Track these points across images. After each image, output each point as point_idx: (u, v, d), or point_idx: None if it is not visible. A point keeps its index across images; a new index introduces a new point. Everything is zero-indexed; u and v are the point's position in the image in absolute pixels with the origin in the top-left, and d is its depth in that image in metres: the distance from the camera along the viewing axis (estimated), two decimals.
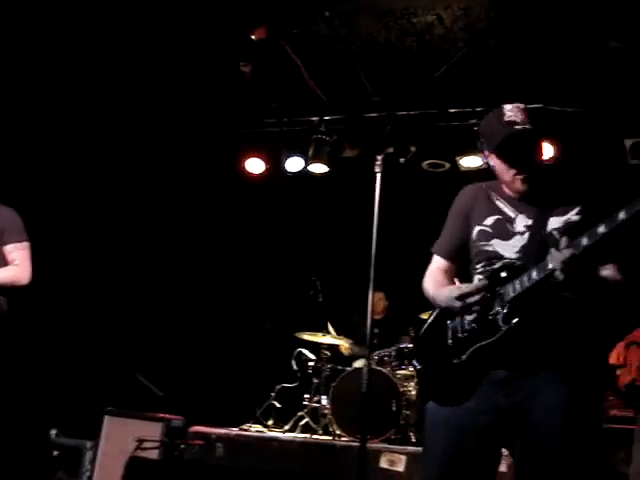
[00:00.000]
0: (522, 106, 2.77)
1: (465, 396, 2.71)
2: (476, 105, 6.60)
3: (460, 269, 3.05)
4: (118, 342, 7.32)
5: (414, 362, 3.05)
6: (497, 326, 2.64)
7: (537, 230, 2.74)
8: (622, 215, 2.36)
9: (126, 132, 7.16)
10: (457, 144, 6.86)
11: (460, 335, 2.79)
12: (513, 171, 2.78)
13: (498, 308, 2.67)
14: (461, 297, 2.75)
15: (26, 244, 4.28)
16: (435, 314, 3.01)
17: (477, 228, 2.88)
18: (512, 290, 2.64)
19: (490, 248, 2.81)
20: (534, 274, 2.58)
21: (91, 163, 7.04)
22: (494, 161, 2.83)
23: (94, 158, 7.05)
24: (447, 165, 7.22)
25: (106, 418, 5.95)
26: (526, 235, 2.76)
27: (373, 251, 3.57)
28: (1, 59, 5.82)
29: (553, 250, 2.52)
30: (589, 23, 5.46)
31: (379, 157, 3.71)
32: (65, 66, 6.21)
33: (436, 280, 3.02)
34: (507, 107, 2.76)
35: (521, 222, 2.79)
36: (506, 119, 2.73)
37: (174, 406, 6.23)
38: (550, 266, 2.51)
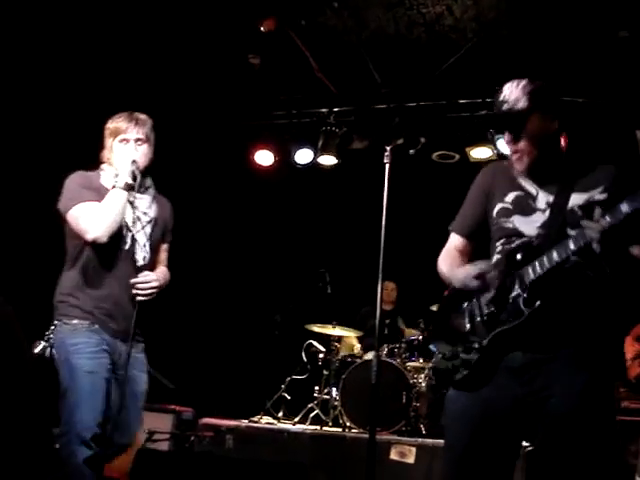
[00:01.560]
0: (522, 83, 2.77)
1: (483, 383, 2.68)
2: (486, 96, 6.57)
3: (477, 249, 3.02)
4: None
5: (431, 346, 2.98)
6: (519, 309, 2.59)
7: (558, 206, 2.70)
8: None
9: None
10: (467, 135, 6.84)
11: (479, 319, 2.74)
12: (518, 147, 2.77)
13: (519, 291, 2.62)
14: (478, 276, 2.71)
15: None
16: (449, 297, 2.96)
17: (498, 205, 2.85)
18: (532, 272, 2.60)
19: (510, 225, 2.78)
20: (554, 255, 2.54)
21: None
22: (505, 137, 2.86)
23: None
24: (457, 156, 7.21)
25: None
26: (547, 212, 2.72)
27: (382, 242, 3.55)
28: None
29: (586, 222, 2.46)
30: (599, 13, 5.43)
31: (388, 148, 3.68)
32: (72, 58, 6.20)
33: (452, 259, 2.97)
34: (506, 85, 2.79)
35: (543, 199, 2.75)
36: (500, 98, 2.77)
37: (184, 398, 6.25)
38: (572, 246, 2.49)
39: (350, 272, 7.51)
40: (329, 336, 6.92)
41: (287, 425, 6.39)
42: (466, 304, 2.83)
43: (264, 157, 7.51)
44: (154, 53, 6.30)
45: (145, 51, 6.26)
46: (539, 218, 2.73)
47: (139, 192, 3.60)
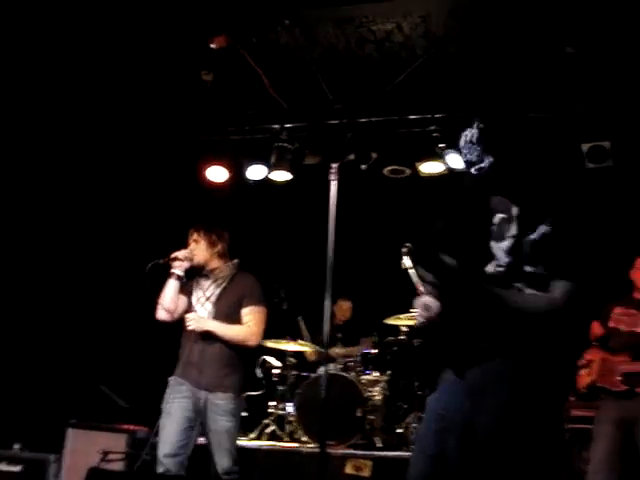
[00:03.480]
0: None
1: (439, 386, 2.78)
2: (436, 112, 6.67)
3: None
4: (80, 354, 7.25)
5: None
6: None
7: (519, 239, 2.75)
8: None
9: (87, 140, 7.11)
10: (417, 150, 6.92)
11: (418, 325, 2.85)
12: None
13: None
14: (423, 306, 2.79)
15: (261, 308, 4.87)
16: None
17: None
18: None
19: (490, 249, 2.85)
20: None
21: (47, 170, 6.99)
22: None
23: (50, 165, 7.00)
24: (408, 171, 7.28)
25: (70, 431, 5.90)
26: (511, 241, 2.78)
27: (329, 258, 3.60)
28: None
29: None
30: (546, 30, 5.54)
31: (334, 165, 3.73)
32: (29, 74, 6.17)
33: None
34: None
35: (514, 227, 2.79)
36: None
37: (139, 417, 6.18)
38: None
39: (306, 288, 7.51)
40: (284, 351, 6.92)
41: (243, 442, 6.36)
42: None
43: (216, 173, 7.49)
44: (106, 70, 6.26)
45: (97, 68, 6.22)
46: (507, 245, 2.77)
47: (203, 277, 4.92)
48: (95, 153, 7.26)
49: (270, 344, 6.89)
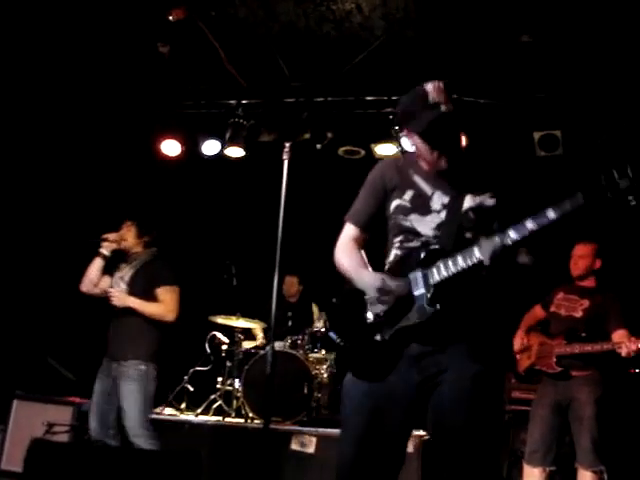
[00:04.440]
0: (442, 86, 2.75)
1: (384, 371, 2.75)
2: (392, 94, 6.69)
3: (369, 241, 3.07)
4: (27, 325, 7.17)
5: (331, 334, 2.97)
6: (423, 308, 2.69)
7: (453, 208, 2.79)
8: (552, 214, 2.55)
9: (40, 112, 7.00)
10: (372, 132, 6.95)
11: (381, 313, 2.80)
12: (437, 152, 2.80)
13: (423, 290, 2.71)
14: (381, 290, 2.76)
15: (174, 288, 5.19)
16: (350, 288, 2.98)
17: (395, 201, 2.90)
18: (437, 273, 2.69)
19: (408, 223, 2.84)
20: (460, 260, 2.65)
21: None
22: (416, 141, 2.83)
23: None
24: (362, 152, 7.31)
25: (15, 402, 5.86)
26: (443, 213, 2.80)
27: (279, 236, 3.62)
28: None
29: (483, 239, 2.61)
30: (503, 18, 5.60)
31: (287, 144, 3.74)
32: None
33: (352, 253, 3.01)
34: (429, 87, 2.74)
35: (438, 199, 2.83)
36: (431, 100, 2.71)
37: (85, 390, 6.15)
38: (478, 255, 2.61)
39: (256, 264, 7.52)
40: (233, 328, 6.94)
41: (189, 417, 6.38)
42: (368, 297, 2.87)
43: (171, 147, 7.43)
44: (62, 40, 6.16)
45: (53, 39, 6.12)
46: (435, 219, 2.81)
47: (124, 262, 5.31)
48: (48, 124, 7.14)
49: (220, 320, 6.90)
